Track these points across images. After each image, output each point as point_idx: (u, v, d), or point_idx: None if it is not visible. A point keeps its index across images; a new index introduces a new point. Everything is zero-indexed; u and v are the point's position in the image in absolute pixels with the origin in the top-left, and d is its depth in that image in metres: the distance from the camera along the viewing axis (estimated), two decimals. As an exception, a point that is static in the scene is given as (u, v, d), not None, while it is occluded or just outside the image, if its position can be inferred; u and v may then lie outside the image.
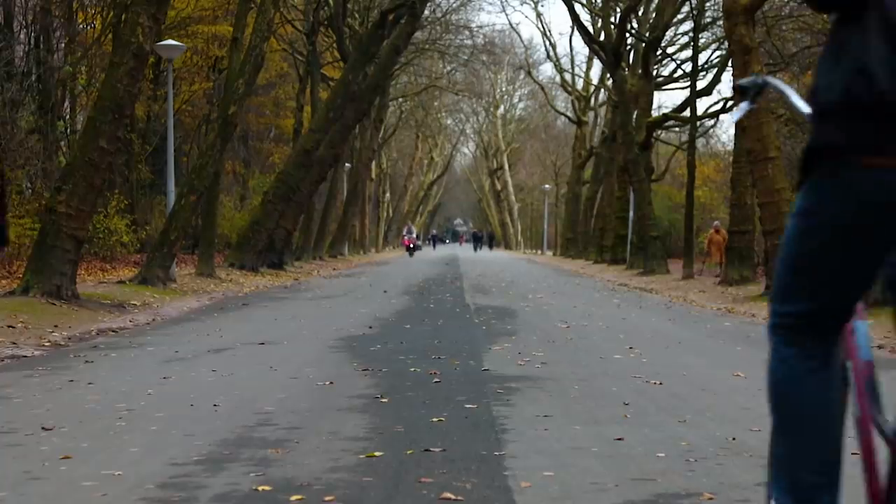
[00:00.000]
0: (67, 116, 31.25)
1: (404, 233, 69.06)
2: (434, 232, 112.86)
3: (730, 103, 38.69)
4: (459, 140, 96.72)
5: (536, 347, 11.40)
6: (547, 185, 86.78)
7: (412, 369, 9.40)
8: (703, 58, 41.94)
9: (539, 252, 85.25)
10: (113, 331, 13.21)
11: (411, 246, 63.00)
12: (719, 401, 7.83)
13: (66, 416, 6.89)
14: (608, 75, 47.32)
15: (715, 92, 38.39)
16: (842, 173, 2.74)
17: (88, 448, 5.88)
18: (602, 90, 59.26)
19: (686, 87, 44.24)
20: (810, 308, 2.93)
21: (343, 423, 6.67)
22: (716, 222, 34.58)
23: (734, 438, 6.28)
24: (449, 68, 59.86)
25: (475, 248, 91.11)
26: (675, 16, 40.46)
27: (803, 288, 2.93)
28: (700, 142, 48.74)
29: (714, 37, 41.25)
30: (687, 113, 39.13)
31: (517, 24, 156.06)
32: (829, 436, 2.90)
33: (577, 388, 8.37)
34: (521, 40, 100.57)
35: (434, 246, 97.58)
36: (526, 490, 4.98)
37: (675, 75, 47.78)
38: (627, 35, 39.60)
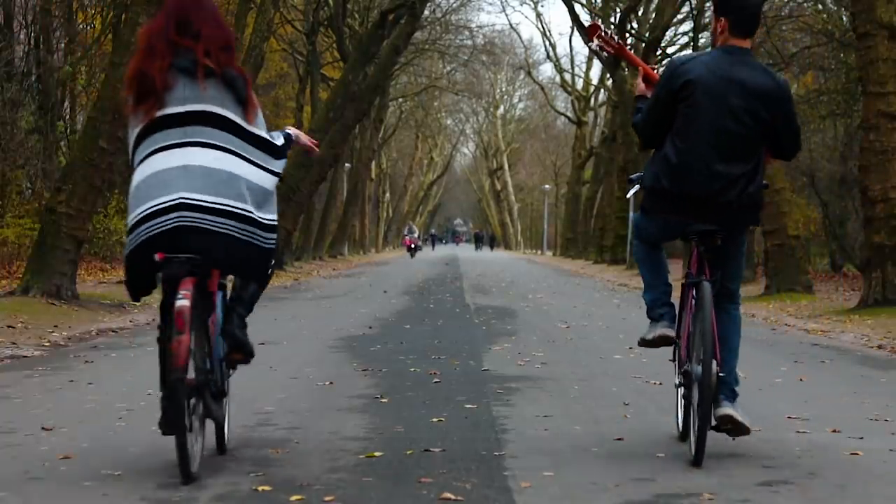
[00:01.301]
0: (67, 116, 31.23)
1: (405, 232, 67.83)
2: (433, 231, 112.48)
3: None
4: (459, 140, 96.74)
5: (536, 347, 11.40)
6: (547, 186, 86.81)
7: (412, 369, 9.40)
8: (703, 58, 41.90)
9: (539, 252, 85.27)
10: (113, 331, 13.21)
11: (412, 246, 61.30)
12: (719, 401, 7.83)
13: (66, 416, 6.89)
14: (608, 75, 47.36)
15: (715, 92, 38.35)
16: (651, 217, 5.92)
17: (88, 448, 5.88)
18: (602, 90, 59.29)
19: (686, 87, 44.20)
20: (647, 239, 6.08)
21: (343, 423, 6.67)
22: None
23: (734, 438, 6.28)
24: (449, 68, 59.86)
25: (476, 248, 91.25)
26: (675, 16, 40.47)
27: (646, 234, 6.05)
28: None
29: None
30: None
31: (517, 25, 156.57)
32: (662, 275, 6.08)
33: (577, 388, 8.38)
34: (521, 40, 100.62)
35: (433, 246, 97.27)
36: (526, 490, 4.98)
37: (675, 75, 47.74)
38: (627, 35, 39.61)
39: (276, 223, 5.38)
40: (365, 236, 64.62)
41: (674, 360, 6.07)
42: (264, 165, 5.37)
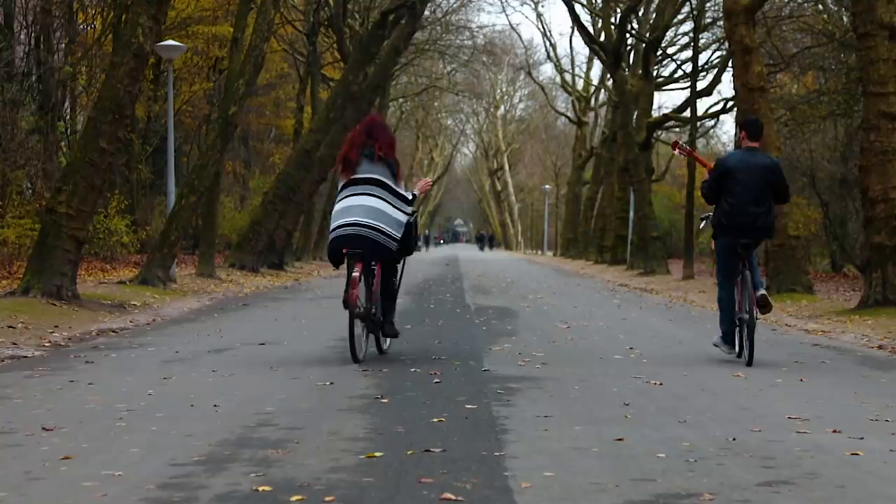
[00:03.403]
0: (67, 117, 31.23)
1: None
2: (427, 231, 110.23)
3: (730, 104, 38.71)
4: (459, 140, 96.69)
5: (536, 347, 11.40)
6: (547, 186, 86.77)
7: (412, 369, 9.41)
8: (703, 58, 41.98)
9: (539, 252, 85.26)
10: (113, 331, 13.21)
11: None
12: (719, 401, 7.84)
13: (66, 416, 6.90)
14: (608, 76, 47.34)
15: (715, 92, 38.36)
16: (720, 237, 10.63)
17: (89, 448, 5.89)
18: (602, 90, 59.26)
19: (686, 88, 44.27)
20: (725, 272, 10.60)
21: (343, 424, 6.68)
22: None
23: (734, 438, 6.29)
24: (449, 69, 59.77)
25: (480, 248, 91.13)
26: (675, 16, 40.46)
27: (722, 269, 10.69)
28: (700, 142, 48.78)
29: (714, 37, 41.28)
30: (687, 113, 39.14)
31: (517, 25, 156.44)
32: (733, 310, 10.49)
33: (577, 389, 8.38)
34: (522, 41, 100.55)
35: (427, 247, 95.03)
36: (526, 490, 4.98)
37: (676, 75, 47.79)
38: (627, 35, 39.61)
39: (399, 238, 10.09)
40: (365, 236, 64.33)
41: (722, 326, 10.64)
42: (401, 209, 10.23)
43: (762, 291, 10.37)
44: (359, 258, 9.90)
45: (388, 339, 10.70)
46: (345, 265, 10.04)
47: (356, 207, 10.00)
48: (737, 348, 10.47)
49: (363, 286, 9.94)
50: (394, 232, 10.01)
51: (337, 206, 10.19)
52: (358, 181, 10.16)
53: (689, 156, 11.84)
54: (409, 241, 10.33)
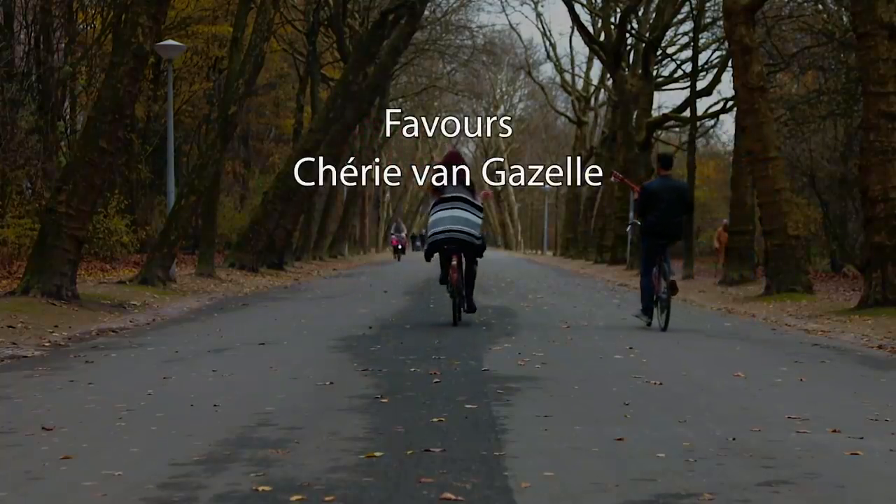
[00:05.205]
0: (67, 116, 31.22)
1: (392, 231, 62.00)
2: (424, 231, 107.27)
3: (730, 103, 38.74)
4: (459, 140, 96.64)
5: (536, 347, 11.40)
6: (547, 185, 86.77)
7: (412, 369, 9.40)
8: (703, 58, 41.98)
9: (539, 252, 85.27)
10: (113, 331, 13.21)
11: (399, 247, 55.65)
12: (719, 401, 7.84)
13: (66, 416, 6.90)
14: (608, 75, 47.37)
15: (715, 92, 38.31)
16: (646, 239, 14.35)
17: (88, 448, 5.89)
18: (602, 90, 59.29)
19: (686, 88, 44.26)
20: (647, 265, 14.24)
21: (343, 424, 6.67)
22: (724, 220, 34.08)
23: (734, 438, 6.29)
24: (449, 68, 59.81)
25: None
26: (675, 16, 40.46)
27: (645, 262, 14.36)
28: (700, 142, 48.74)
29: (714, 37, 41.28)
30: (687, 113, 39.13)
31: (517, 25, 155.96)
32: (651, 292, 14.12)
33: (577, 388, 8.38)
34: (521, 40, 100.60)
35: (413, 247, 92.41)
36: (526, 490, 4.98)
37: (675, 75, 47.77)
38: (627, 35, 39.64)
39: (481, 235, 13.99)
40: (365, 236, 64.44)
41: (643, 303, 14.18)
42: (477, 215, 13.93)
43: (672, 278, 13.68)
44: (454, 252, 13.78)
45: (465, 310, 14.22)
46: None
47: (448, 218, 13.75)
48: (652, 320, 13.97)
49: (459, 272, 13.78)
50: (477, 233, 13.86)
51: (433, 218, 13.93)
52: (447, 199, 13.89)
53: (622, 182, 15.52)
54: (483, 237, 14.09)
